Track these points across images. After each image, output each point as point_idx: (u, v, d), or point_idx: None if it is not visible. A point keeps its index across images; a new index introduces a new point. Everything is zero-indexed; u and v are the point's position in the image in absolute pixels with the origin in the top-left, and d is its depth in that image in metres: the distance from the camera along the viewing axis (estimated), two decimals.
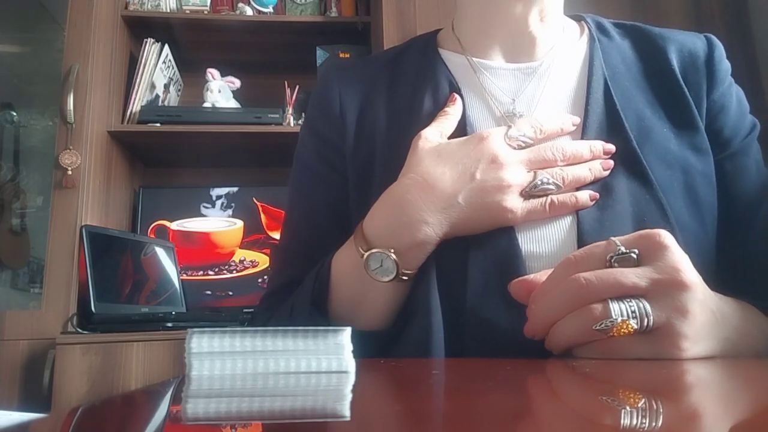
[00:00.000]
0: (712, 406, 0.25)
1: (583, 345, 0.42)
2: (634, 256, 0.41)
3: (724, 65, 0.61)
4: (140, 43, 1.73)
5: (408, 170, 0.53)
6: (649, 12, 1.67)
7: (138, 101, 1.68)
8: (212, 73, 1.80)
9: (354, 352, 0.35)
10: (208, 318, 1.55)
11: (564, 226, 0.53)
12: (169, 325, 1.34)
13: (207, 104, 1.77)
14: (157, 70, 1.72)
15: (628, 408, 0.24)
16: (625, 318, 0.40)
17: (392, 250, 0.51)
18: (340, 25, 1.82)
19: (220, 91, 1.79)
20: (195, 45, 1.87)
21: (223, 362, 0.34)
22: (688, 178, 0.55)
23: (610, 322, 0.40)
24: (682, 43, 0.62)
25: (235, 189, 1.82)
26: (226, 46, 1.88)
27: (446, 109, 0.58)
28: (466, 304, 0.51)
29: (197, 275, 1.74)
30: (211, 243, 1.78)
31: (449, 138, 0.55)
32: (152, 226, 1.76)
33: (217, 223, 1.79)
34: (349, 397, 0.30)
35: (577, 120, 0.57)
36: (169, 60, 1.79)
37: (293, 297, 0.59)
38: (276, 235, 1.76)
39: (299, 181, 0.66)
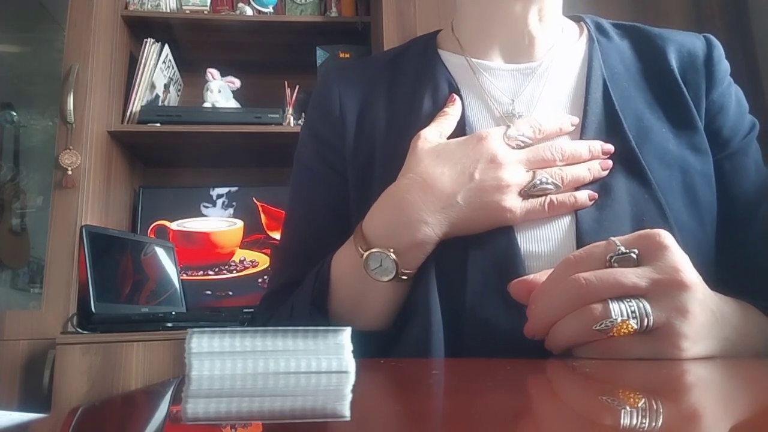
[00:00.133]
0: (712, 406, 0.25)
1: (583, 345, 0.42)
2: (634, 256, 0.41)
3: (723, 65, 0.61)
4: (140, 43, 1.73)
5: (407, 170, 0.53)
6: (649, 12, 1.67)
7: (138, 101, 1.68)
8: (212, 73, 1.80)
9: (354, 352, 0.35)
10: (208, 318, 1.55)
11: (563, 225, 0.53)
12: (169, 325, 1.34)
13: (207, 104, 1.77)
14: (157, 70, 1.72)
15: (628, 408, 0.24)
16: (625, 318, 0.40)
17: (392, 250, 0.51)
18: (340, 25, 1.82)
19: (220, 91, 1.79)
20: (195, 45, 1.87)
21: (223, 362, 0.34)
22: (687, 177, 0.55)
23: (610, 322, 0.40)
24: (681, 43, 0.62)
25: (235, 189, 1.82)
26: (226, 46, 1.88)
27: (445, 109, 0.58)
28: (466, 304, 0.51)
29: (197, 275, 1.74)
30: (211, 243, 1.78)
31: (448, 139, 0.55)
32: (152, 226, 1.76)
33: (217, 223, 1.79)
34: (349, 397, 0.30)
35: (576, 120, 0.57)
36: (169, 60, 1.79)
37: (293, 297, 0.59)
38: (276, 235, 1.76)
39: (299, 182, 0.66)
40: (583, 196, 0.52)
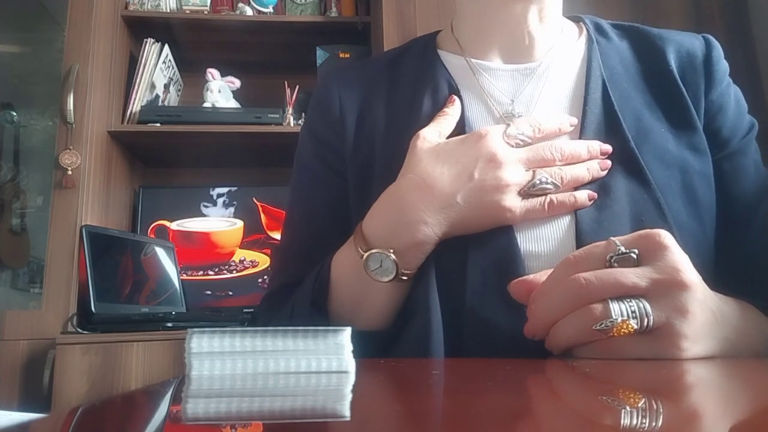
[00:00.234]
0: (712, 406, 0.25)
1: (583, 345, 0.42)
2: (634, 256, 0.41)
3: (722, 65, 0.61)
4: (140, 43, 1.73)
5: (407, 170, 0.53)
6: (648, 12, 1.67)
7: (138, 101, 1.68)
8: (212, 73, 1.80)
9: (354, 352, 0.35)
10: (208, 318, 1.55)
11: (562, 225, 0.53)
12: (169, 325, 1.34)
13: (207, 104, 1.77)
14: (157, 70, 1.72)
15: (628, 408, 0.24)
16: (625, 318, 0.40)
17: (392, 250, 0.51)
18: (340, 25, 1.82)
19: (220, 91, 1.79)
20: (195, 45, 1.87)
21: (223, 362, 0.34)
22: (686, 177, 0.55)
23: (610, 322, 0.40)
24: (681, 43, 0.62)
25: (235, 189, 1.82)
26: (226, 46, 1.88)
27: (445, 109, 0.58)
28: (466, 304, 0.51)
29: (197, 275, 1.74)
30: (211, 243, 1.78)
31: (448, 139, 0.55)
32: (152, 226, 1.76)
33: (217, 223, 1.79)
34: (349, 397, 0.30)
35: (575, 121, 0.57)
36: (169, 60, 1.79)
37: (293, 297, 0.59)
38: (276, 235, 1.76)
39: (299, 182, 0.66)
40: (583, 195, 0.52)
